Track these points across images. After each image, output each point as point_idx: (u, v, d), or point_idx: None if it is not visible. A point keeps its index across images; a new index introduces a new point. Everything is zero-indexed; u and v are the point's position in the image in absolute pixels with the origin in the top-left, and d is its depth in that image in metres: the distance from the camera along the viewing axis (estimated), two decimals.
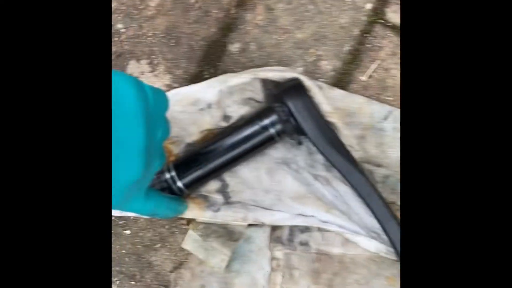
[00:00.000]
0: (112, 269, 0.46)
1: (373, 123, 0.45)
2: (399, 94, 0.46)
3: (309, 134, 0.40)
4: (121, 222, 0.46)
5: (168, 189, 0.41)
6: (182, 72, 0.46)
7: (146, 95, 0.27)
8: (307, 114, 0.40)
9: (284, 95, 0.40)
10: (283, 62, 0.46)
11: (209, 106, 0.43)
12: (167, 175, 0.41)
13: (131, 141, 0.26)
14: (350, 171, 0.40)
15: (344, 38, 0.46)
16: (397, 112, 0.45)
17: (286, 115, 0.40)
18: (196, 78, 0.46)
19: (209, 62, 0.46)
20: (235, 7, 0.46)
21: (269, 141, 0.42)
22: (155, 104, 0.28)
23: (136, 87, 0.26)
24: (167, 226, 0.46)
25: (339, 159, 0.40)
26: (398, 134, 0.45)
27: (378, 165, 0.45)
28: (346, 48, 0.46)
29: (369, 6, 0.45)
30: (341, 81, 0.46)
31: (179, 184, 0.41)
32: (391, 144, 0.46)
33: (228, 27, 0.46)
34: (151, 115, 0.28)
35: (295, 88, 0.40)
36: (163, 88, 0.46)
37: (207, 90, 0.42)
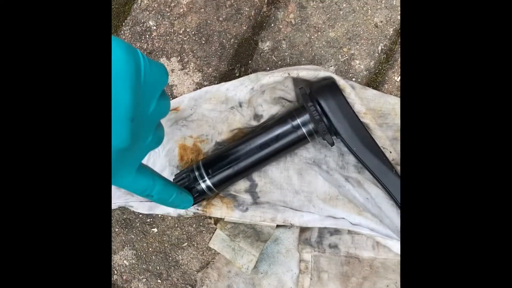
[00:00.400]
0: (139, 266, 0.46)
1: None
2: None
3: (342, 134, 0.39)
4: (148, 220, 0.46)
5: (193, 188, 0.41)
6: (213, 70, 0.46)
7: (139, 63, 0.27)
8: (340, 114, 0.39)
9: (318, 94, 0.39)
10: (315, 61, 0.45)
11: (240, 104, 0.42)
12: (196, 173, 0.41)
13: (117, 105, 0.25)
14: (384, 172, 0.39)
15: (378, 37, 0.44)
16: None
17: (319, 114, 0.39)
18: (226, 76, 0.46)
19: (239, 60, 0.46)
20: (267, 4, 0.45)
21: (301, 141, 0.41)
22: (150, 75, 0.28)
23: (128, 53, 0.26)
24: (194, 225, 0.46)
25: (373, 160, 0.39)
26: None
27: None
28: (380, 47, 0.45)
29: None
30: (374, 81, 0.45)
31: (208, 182, 0.41)
32: None
33: (260, 25, 0.45)
34: (145, 85, 0.27)
35: (329, 87, 0.40)
36: (195, 86, 0.46)
37: (239, 88, 0.42)
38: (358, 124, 0.39)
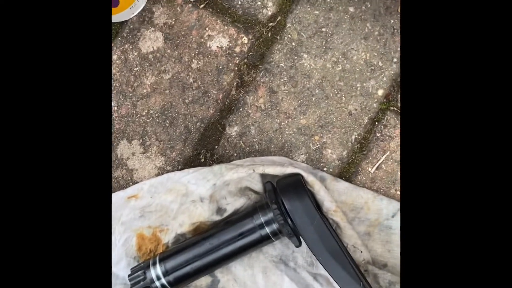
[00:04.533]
0: None
1: (380, 220, 0.41)
2: None
3: (307, 240, 0.36)
4: None
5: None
6: (176, 155, 0.43)
7: None
8: (306, 218, 0.36)
9: (283, 194, 0.37)
10: (285, 148, 0.43)
11: (202, 200, 0.39)
12: (152, 271, 0.38)
13: None
14: (351, 285, 0.36)
15: (352, 126, 0.42)
16: None
17: (283, 216, 0.36)
18: (191, 161, 0.43)
19: (205, 145, 0.43)
20: (236, 88, 0.43)
21: (265, 240, 0.38)
22: None
23: None
24: None
25: (340, 272, 0.36)
26: None
27: (384, 265, 0.41)
28: (354, 136, 0.42)
29: (381, 92, 0.42)
30: (347, 171, 0.43)
31: (164, 282, 0.38)
32: (399, 243, 0.42)
33: (228, 108, 0.43)
34: None
35: (295, 187, 0.37)
36: (157, 171, 0.43)
37: (201, 182, 0.39)
38: (324, 230, 0.36)
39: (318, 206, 0.39)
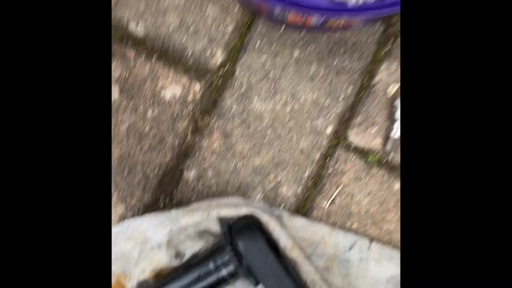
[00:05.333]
0: None
1: (338, 253, 0.42)
2: (364, 221, 0.43)
3: (261, 278, 0.37)
4: None
5: None
6: (136, 201, 0.44)
7: None
8: (259, 256, 0.37)
9: (237, 236, 0.38)
10: (241, 189, 0.44)
11: (159, 246, 0.40)
12: None
13: None
14: None
15: (305, 163, 0.44)
16: (362, 242, 0.42)
17: (238, 256, 0.37)
18: (151, 207, 0.44)
19: (164, 191, 0.44)
20: (191, 133, 0.44)
21: (223, 282, 0.39)
22: None
23: None
24: None
25: None
26: (364, 265, 0.42)
27: None
28: (307, 173, 0.44)
29: (330, 129, 0.44)
30: (303, 207, 0.44)
31: None
32: (358, 275, 0.43)
33: (184, 154, 0.44)
34: None
35: (248, 227, 0.38)
36: (117, 218, 0.44)
37: (158, 228, 0.40)
38: (278, 269, 0.37)
39: (275, 245, 0.41)
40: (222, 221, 0.41)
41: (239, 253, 0.38)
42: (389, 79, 0.43)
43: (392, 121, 0.43)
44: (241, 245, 0.37)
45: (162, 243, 0.40)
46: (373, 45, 0.43)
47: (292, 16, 0.38)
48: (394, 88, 0.43)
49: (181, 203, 0.44)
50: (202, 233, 0.41)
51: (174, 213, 0.40)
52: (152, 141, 0.44)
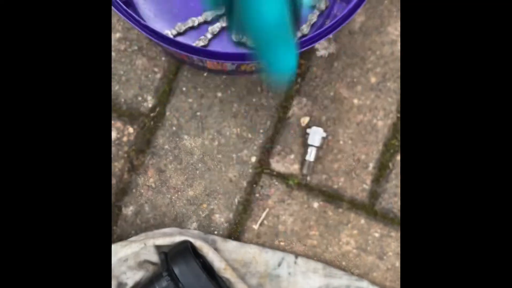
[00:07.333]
0: None
1: (269, 270, 0.47)
2: (290, 238, 0.48)
3: None
4: None
5: None
6: None
7: None
8: (192, 278, 0.41)
9: (172, 261, 0.41)
10: (177, 219, 0.48)
11: None
12: None
13: None
14: None
15: (234, 191, 0.49)
16: (289, 258, 0.47)
17: (174, 281, 0.41)
18: None
19: None
20: (128, 171, 0.48)
21: None
22: None
23: None
24: None
25: None
26: (293, 279, 0.47)
27: None
28: (237, 199, 0.49)
29: (254, 159, 0.49)
30: (235, 231, 0.48)
31: None
32: None
33: (122, 191, 0.48)
34: None
35: (182, 253, 0.42)
36: None
37: None
38: (211, 286, 0.41)
39: (209, 267, 0.44)
40: (160, 250, 0.44)
41: (175, 278, 0.41)
42: (300, 112, 0.50)
43: (306, 147, 0.49)
44: (176, 269, 0.41)
45: None
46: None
47: (210, 63, 0.44)
48: (307, 118, 0.50)
49: (121, 238, 0.47)
50: (142, 263, 0.44)
51: (113, 247, 0.44)
52: None
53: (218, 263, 0.44)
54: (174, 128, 0.49)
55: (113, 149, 0.48)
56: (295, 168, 0.49)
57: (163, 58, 0.50)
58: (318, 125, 0.49)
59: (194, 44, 0.47)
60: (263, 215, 0.49)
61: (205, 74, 0.50)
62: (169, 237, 0.43)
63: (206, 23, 0.49)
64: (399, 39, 0.50)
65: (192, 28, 0.49)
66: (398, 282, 0.48)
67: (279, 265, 0.47)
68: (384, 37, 0.50)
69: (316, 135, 0.48)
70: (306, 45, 0.40)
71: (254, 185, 0.49)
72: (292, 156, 0.49)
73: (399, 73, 0.49)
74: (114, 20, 0.49)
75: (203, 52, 0.39)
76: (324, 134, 0.48)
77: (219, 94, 0.50)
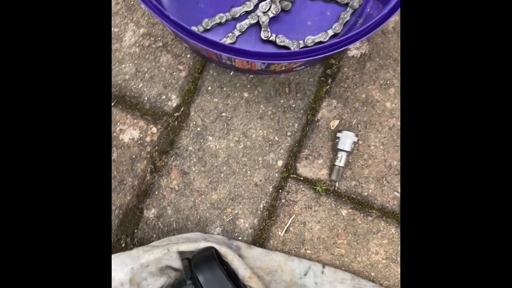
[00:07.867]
0: None
1: (294, 279, 0.45)
2: (316, 246, 0.46)
3: None
4: None
5: None
6: None
7: None
8: (217, 287, 0.39)
9: (197, 268, 0.40)
10: (201, 223, 0.46)
11: (122, 284, 0.41)
12: None
13: None
14: None
15: (259, 196, 0.47)
16: (315, 267, 0.45)
17: None
18: (113, 247, 0.45)
19: (125, 230, 0.46)
20: (150, 173, 0.47)
21: None
22: None
23: None
24: None
25: None
26: None
27: None
28: (262, 205, 0.47)
29: (280, 163, 0.47)
30: (260, 237, 0.46)
31: None
32: None
33: (144, 193, 0.46)
34: None
35: (207, 260, 0.40)
36: None
37: (119, 267, 0.41)
38: None
39: (234, 275, 0.43)
40: (182, 255, 0.43)
41: (199, 285, 0.39)
42: (330, 115, 0.48)
43: (335, 152, 0.47)
44: (200, 277, 0.39)
45: (124, 281, 0.41)
46: (314, 84, 0.48)
47: (239, 62, 0.42)
48: (336, 122, 0.48)
49: (142, 242, 0.46)
50: (163, 269, 0.43)
51: (135, 251, 0.42)
52: (112, 182, 0.46)
53: (243, 271, 0.42)
54: (198, 128, 0.47)
55: (136, 149, 0.47)
56: (323, 173, 0.47)
57: (189, 56, 0.48)
58: (348, 129, 0.47)
59: (221, 41, 0.45)
60: (289, 221, 0.47)
61: (231, 73, 0.48)
62: (193, 243, 0.42)
63: (234, 19, 0.47)
64: None
65: (219, 24, 0.47)
66: None
67: (306, 274, 0.45)
68: None
69: (347, 140, 0.46)
70: (339, 47, 0.38)
71: (280, 190, 0.47)
72: (320, 161, 0.47)
73: None
74: (138, 14, 0.47)
75: (241, 52, 0.37)
76: (356, 139, 0.46)
77: (246, 95, 0.48)
